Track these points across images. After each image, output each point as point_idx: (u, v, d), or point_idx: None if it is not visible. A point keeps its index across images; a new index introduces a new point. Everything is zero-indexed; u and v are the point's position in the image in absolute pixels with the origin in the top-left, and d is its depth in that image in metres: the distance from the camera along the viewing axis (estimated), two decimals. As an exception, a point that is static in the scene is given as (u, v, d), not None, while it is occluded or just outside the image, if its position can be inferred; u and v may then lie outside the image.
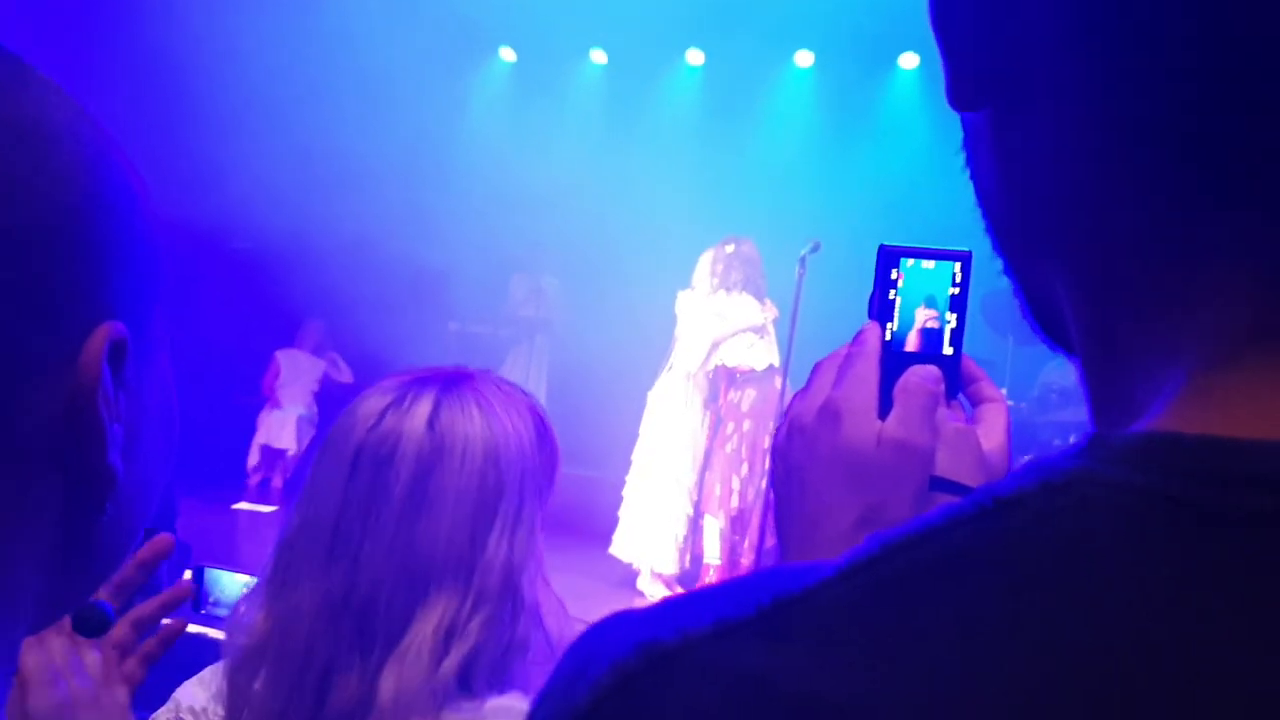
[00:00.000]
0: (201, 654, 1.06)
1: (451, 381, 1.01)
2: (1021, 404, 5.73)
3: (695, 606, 0.31)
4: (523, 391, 1.07)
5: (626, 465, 5.26)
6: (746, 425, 4.93)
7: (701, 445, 5.11)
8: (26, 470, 0.39)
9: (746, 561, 4.80)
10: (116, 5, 6.09)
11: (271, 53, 6.33)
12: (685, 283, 5.25)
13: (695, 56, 7.95)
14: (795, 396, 0.61)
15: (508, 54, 8.16)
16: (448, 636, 0.93)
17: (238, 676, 0.96)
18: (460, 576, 0.94)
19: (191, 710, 1.00)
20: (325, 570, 0.94)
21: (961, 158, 0.41)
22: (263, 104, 6.40)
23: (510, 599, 0.96)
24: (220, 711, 0.98)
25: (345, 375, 7.25)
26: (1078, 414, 5.51)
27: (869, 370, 0.59)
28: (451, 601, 0.93)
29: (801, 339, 4.28)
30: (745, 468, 4.90)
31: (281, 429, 7.10)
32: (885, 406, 0.58)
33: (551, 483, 1.05)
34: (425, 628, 0.92)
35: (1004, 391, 5.61)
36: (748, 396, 4.96)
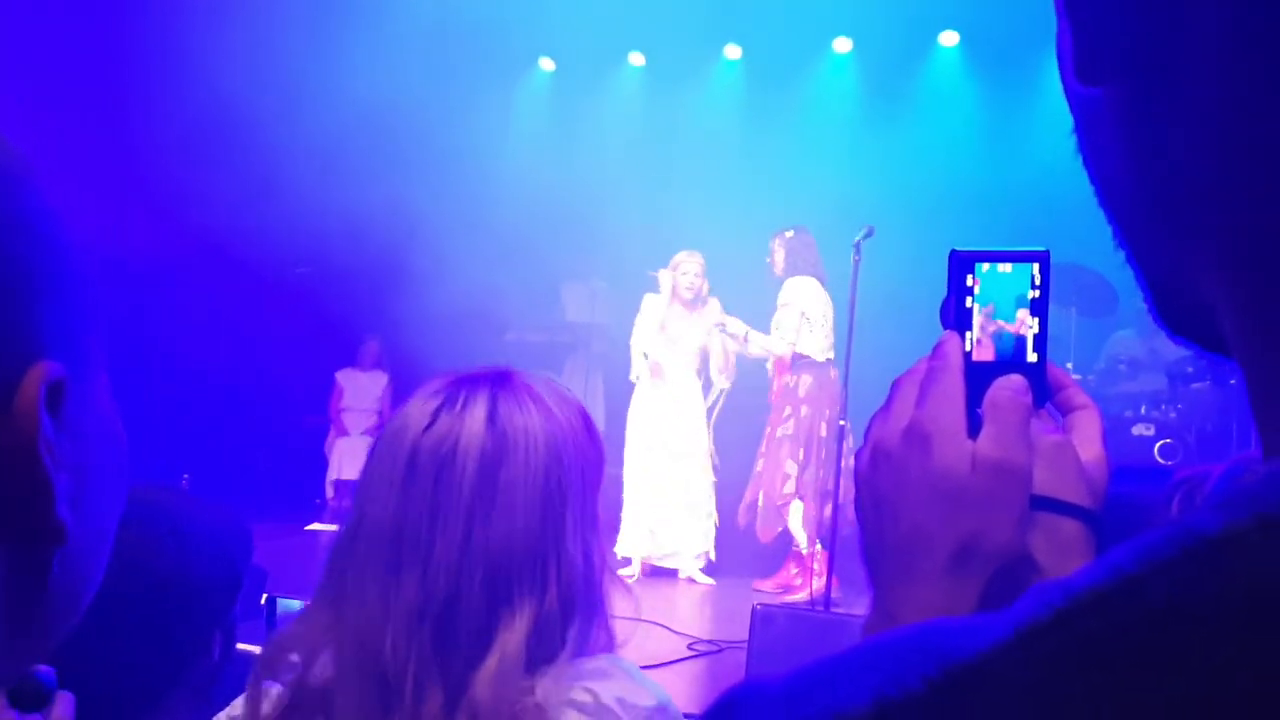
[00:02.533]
0: None
1: (502, 379, 0.98)
2: (1089, 376, 5.62)
3: (844, 679, 0.27)
4: (567, 390, 1.05)
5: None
6: (804, 411, 4.93)
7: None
8: None
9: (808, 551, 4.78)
10: (175, 38, 6.26)
11: (317, 79, 6.45)
12: (735, 277, 5.32)
13: (733, 51, 7.93)
14: (875, 418, 0.56)
15: (547, 64, 8.21)
16: (539, 641, 0.90)
17: (304, 691, 0.92)
18: (540, 577, 0.91)
19: None
20: (394, 576, 0.90)
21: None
22: (312, 129, 6.53)
23: (595, 602, 0.95)
24: None
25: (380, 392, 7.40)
26: (1145, 384, 5.40)
27: (954, 386, 0.54)
28: (535, 605, 0.90)
29: (860, 325, 4.25)
30: (802, 453, 4.92)
31: (353, 460, 7.13)
32: (973, 424, 0.54)
33: (600, 479, 1.02)
34: (513, 635, 0.89)
35: (1070, 366, 5.53)
36: (804, 382, 4.96)
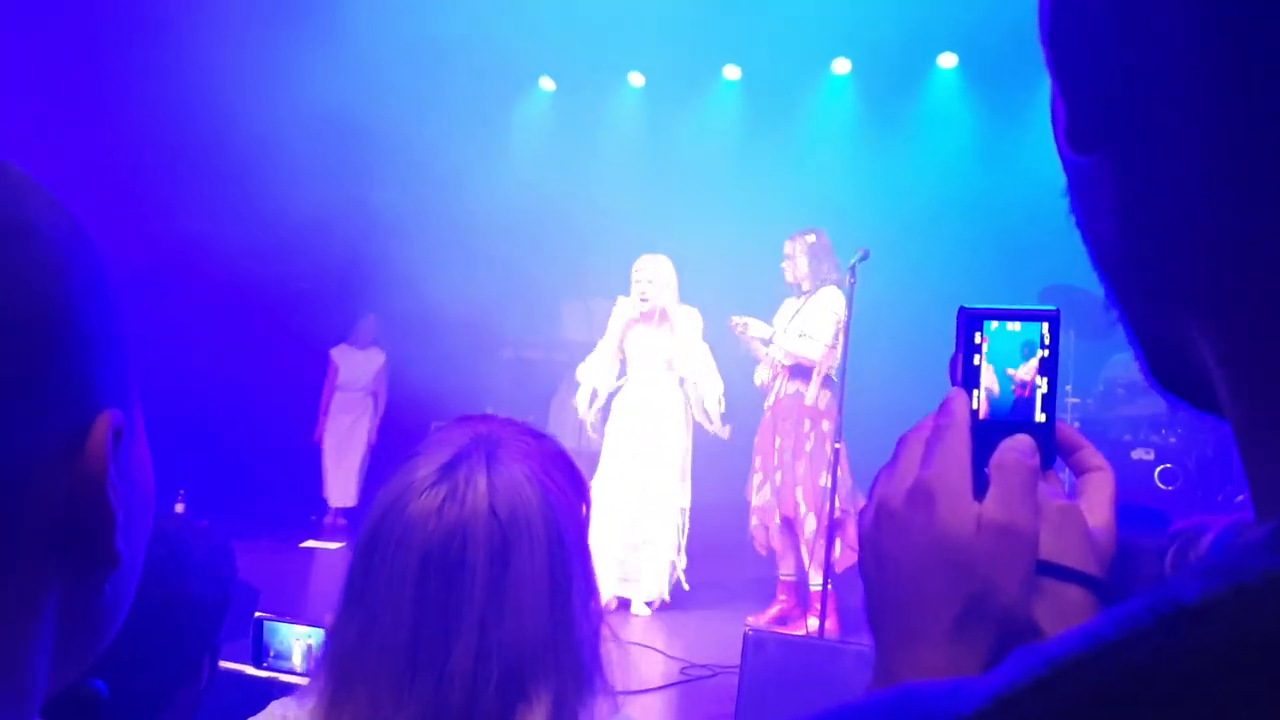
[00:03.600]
0: (265, 700, 1.05)
1: (489, 452, 0.95)
2: (1087, 400, 5.61)
3: None
4: (545, 435, 1.03)
5: (693, 483, 5.22)
6: (825, 426, 4.69)
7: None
8: (34, 564, 0.39)
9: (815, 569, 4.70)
10: (172, 54, 6.27)
11: (317, 96, 6.46)
12: (736, 295, 5.22)
13: (732, 72, 7.96)
14: (880, 476, 0.56)
15: (547, 83, 8.24)
16: None
17: None
18: (552, 662, 0.90)
19: None
20: (408, 686, 0.88)
21: (1056, 200, 0.39)
22: (310, 144, 6.54)
23: (600, 670, 0.94)
24: None
25: (383, 396, 7.28)
26: (1143, 408, 5.37)
27: (960, 445, 0.54)
28: (551, 691, 0.89)
29: (854, 345, 4.23)
30: (825, 476, 4.61)
31: (345, 489, 7.14)
32: (979, 484, 0.53)
33: (588, 528, 1.01)
34: None
35: (1068, 388, 5.52)
36: (824, 397, 4.74)
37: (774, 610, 4.82)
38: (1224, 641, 0.24)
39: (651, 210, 6.99)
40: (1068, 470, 0.59)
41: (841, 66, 7.76)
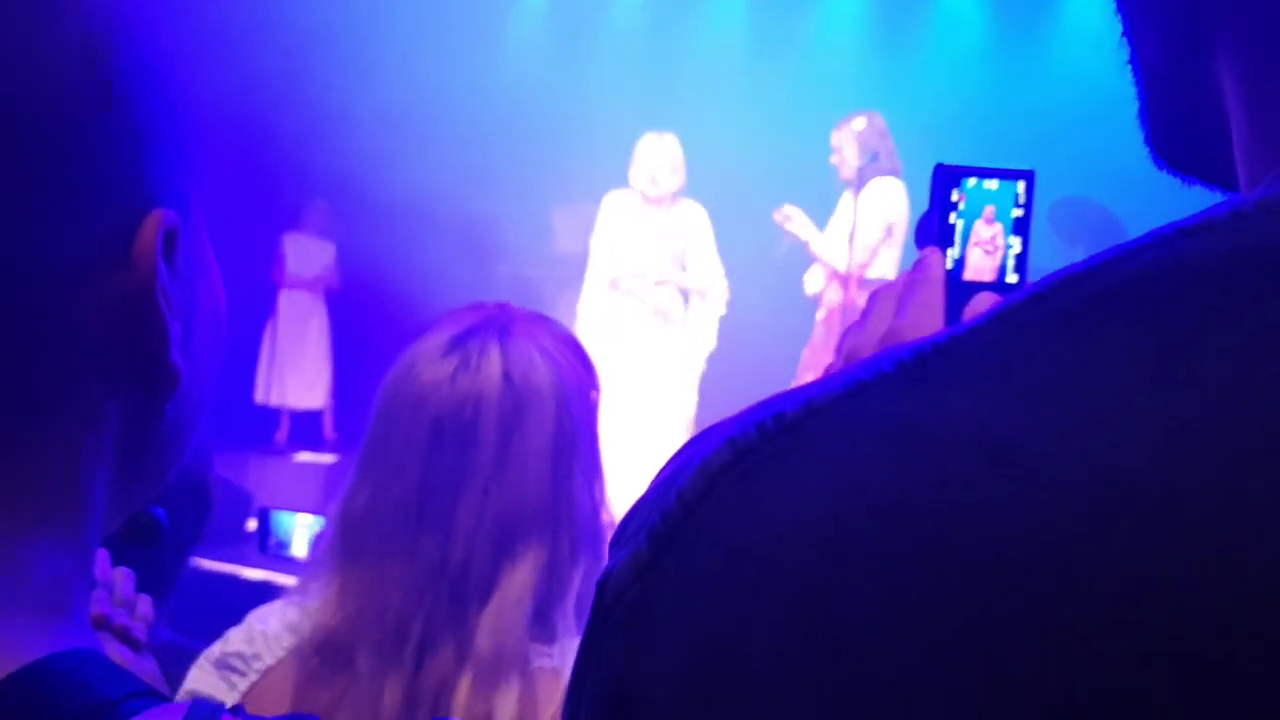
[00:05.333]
0: (265, 599, 1.08)
1: (504, 329, 0.99)
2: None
3: (820, 383, 0.28)
4: (558, 325, 1.07)
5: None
6: None
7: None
8: (87, 383, 0.36)
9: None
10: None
11: (304, 8, 6.25)
12: (736, 205, 4.88)
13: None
14: (848, 330, 0.55)
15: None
16: (542, 588, 0.93)
17: (321, 658, 0.95)
18: (547, 528, 0.94)
19: (264, 635, 1.00)
20: (414, 543, 0.93)
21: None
22: (300, 59, 6.34)
23: (600, 545, 0.97)
24: (289, 639, 0.98)
25: (334, 279, 6.82)
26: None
27: (935, 298, 0.53)
28: (540, 554, 0.93)
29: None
30: None
31: (304, 387, 6.64)
32: None
33: (597, 415, 1.04)
34: (515, 585, 0.92)
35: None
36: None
37: None
38: (1222, 246, 0.25)
39: (651, 116, 6.79)
40: None
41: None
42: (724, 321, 4.72)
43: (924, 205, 0.57)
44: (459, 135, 6.68)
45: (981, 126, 6.47)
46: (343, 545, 0.97)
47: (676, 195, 4.56)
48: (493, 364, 0.95)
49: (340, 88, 6.49)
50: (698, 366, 4.64)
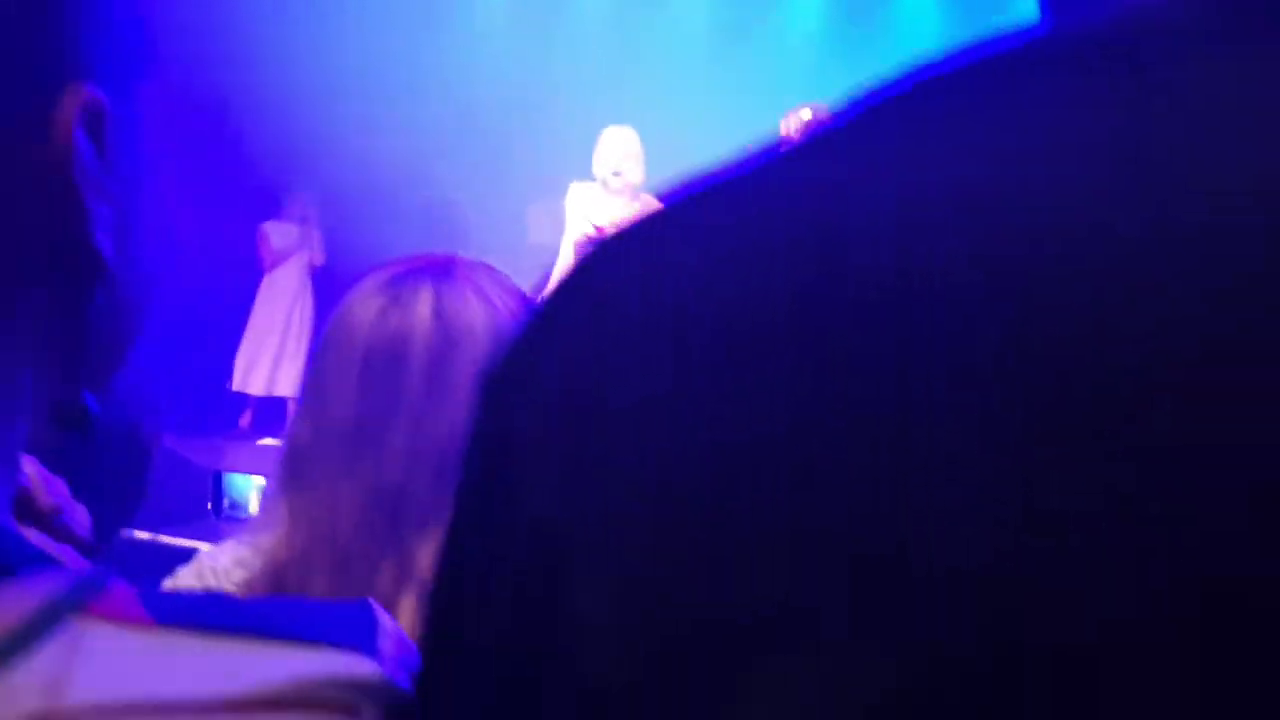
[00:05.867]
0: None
1: (443, 270, 1.02)
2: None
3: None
4: (507, 279, 1.08)
5: None
6: None
7: None
8: (8, 265, 0.34)
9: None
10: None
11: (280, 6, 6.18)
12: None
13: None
14: None
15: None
16: None
17: (273, 590, 0.98)
18: None
19: (213, 570, 1.04)
20: (349, 469, 0.97)
21: None
22: (264, 30, 6.26)
23: None
24: (240, 574, 1.02)
25: (319, 257, 6.75)
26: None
27: None
28: None
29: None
30: None
31: (278, 375, 6.58)
32: None
33: None
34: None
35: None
36: None
37: None
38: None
39: (619, 103, 6.82)
40: None
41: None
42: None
43: None
44: (426, 122, 6.65)
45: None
46: (288, 478, 1.01)
47: (637, 189, 4.65)
48: (424, 302, 0.98)
49: (300, 69, 6.45)
50: None
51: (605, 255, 0.27)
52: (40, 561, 0.33)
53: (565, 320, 0.26)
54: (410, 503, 0.96)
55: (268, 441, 6.42)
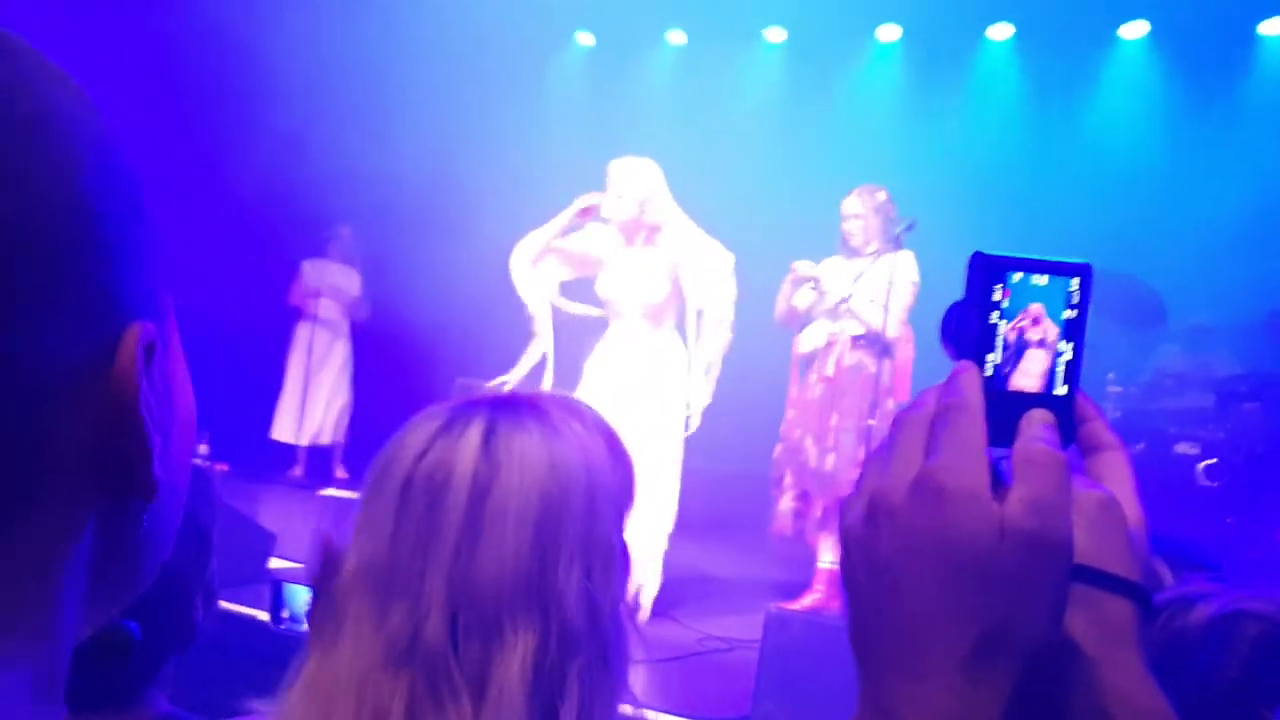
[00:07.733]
0: (280, 650, 0.99)
1: (505, 403, 0.92)
2: (1130, 388, 5.40)
3: None
4: (587, 406, 0.97)
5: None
6: (891, 405, 4.18)
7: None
8: (65, 496, 0.36)
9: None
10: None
11: (348, 53, 6.37)
12: (772, 263, 4.80)
13: (776, 34, 7.76)
14: (869, 463, 0.46)
15: (585, 38, 8.08)
16: (537, 682, 0.83)
17: None
18: (534, 610, 0.85)
19: None
20: (383, 615, 0.85)
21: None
22: (340, 104, 6.45)
23: (601, 640, 0.87)
24: None
25: (363, 310, 6.66)
26: (1191, 401, 5.17)
27: (975, 432, 0.43)
28: (530, 639, 0.84)
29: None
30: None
31: (317, 425, 6.56)
32: (991, 468, 0.43)
33: (629, 506, 0.94)
34: (509, 672, 0.83)
35: (1111, 376, 5.31)
36: (886, 369, 4.24)
37: (808, 600, 4.37)
38: None
39: (689, 173, 6.85)
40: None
41: (890, 33, 7.53)
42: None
43: (933, 278, 0.49)
44: (493, 182, 6.75)
45: (1018, 197, 6.45)
46: (319, 626, 0.89)
47: (653, 228, 4.38)
48: (474, 431, 0.89)
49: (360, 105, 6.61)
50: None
51: None
52: None
53: None
54: (449, 661, 0.83)
55: (330, 492, 6.46)
